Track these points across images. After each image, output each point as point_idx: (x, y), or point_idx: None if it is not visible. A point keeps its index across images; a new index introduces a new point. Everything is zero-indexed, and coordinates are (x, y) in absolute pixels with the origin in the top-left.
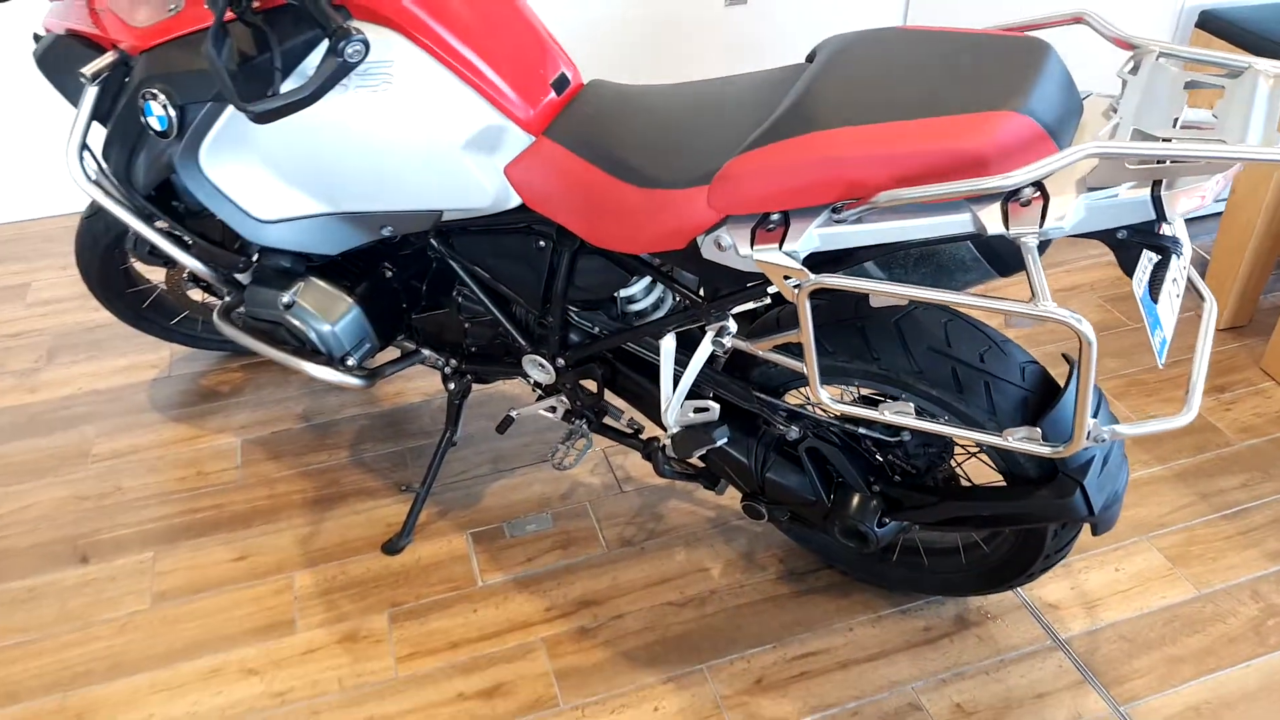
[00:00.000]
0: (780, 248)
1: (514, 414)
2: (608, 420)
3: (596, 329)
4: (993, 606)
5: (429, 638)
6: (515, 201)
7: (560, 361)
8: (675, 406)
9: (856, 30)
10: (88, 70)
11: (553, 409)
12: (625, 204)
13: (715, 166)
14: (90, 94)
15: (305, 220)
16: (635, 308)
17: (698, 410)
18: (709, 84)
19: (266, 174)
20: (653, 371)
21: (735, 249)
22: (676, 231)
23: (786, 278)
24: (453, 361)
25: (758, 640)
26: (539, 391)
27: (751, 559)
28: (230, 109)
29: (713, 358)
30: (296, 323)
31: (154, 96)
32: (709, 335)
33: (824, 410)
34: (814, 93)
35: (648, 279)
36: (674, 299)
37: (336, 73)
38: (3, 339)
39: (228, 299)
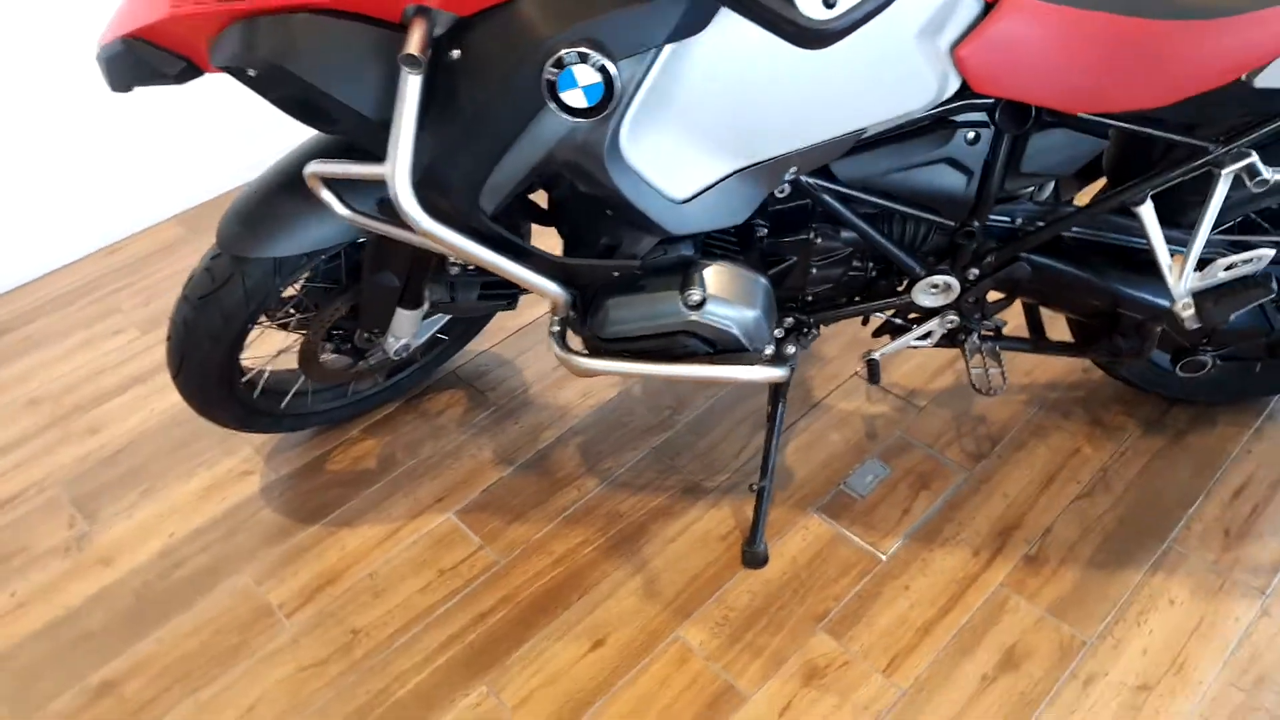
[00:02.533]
0: None
1: (877, 356)
2: (996, 330)
3: (1018, 221)
4: None
5: (892, 636)
6: (950, 91)
7: (974, 272)
8: (1188, 271)
9: None
10: (414, 49)
11: (925, 335)
12: (1153, 47)
13: None
14: (415, 86)
15: (715, 189)
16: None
17: (1231, 266)
18: None
19: (681, 139)
20: (1081, 256)
21: None
22: (1230, 66)
23: None
24: (787, 320)
25: (1187, 497)
26: (899, 320)
27: (1103, 424)
28: (662, 57)
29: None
30: (713, 321)
31: (582, 59)
32: (1222, 179)
33: None
34: None
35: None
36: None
37: None
38: None
39: (557, 328)
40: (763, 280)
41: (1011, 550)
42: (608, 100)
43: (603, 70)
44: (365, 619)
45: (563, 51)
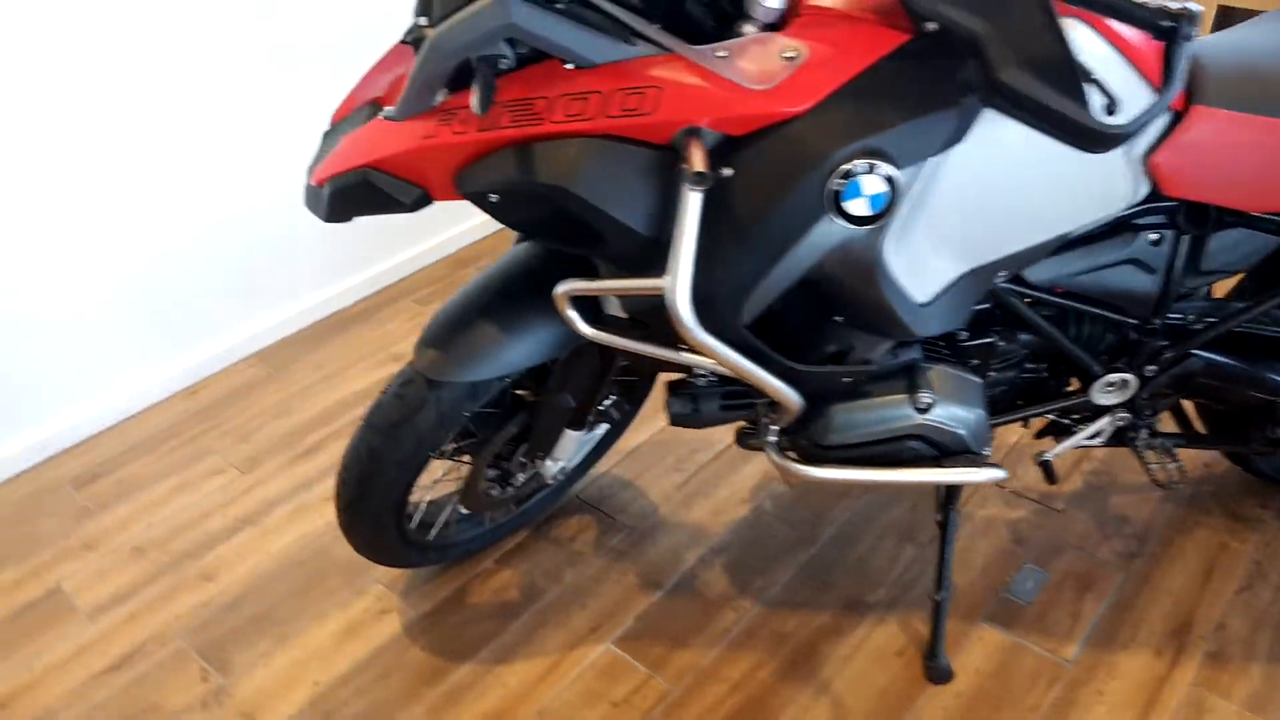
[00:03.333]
0: None
1: (1049, 456)
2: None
3: (1191, 317)
4: None
5: None
6: (1141, 195)
7: (1151, 369)
8: None
9: None
10: (700, 166)
11: (1095, 435)
12: None
13: None
14: (696, 202)
15: (949, 291)
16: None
17: None
18: None
19: (930, 242)
20: (1246, 351)
21: None
22: None
23: None
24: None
25: None
26: (1065, 420)
27: (1241, 516)
28: (928, 163)
29: None
30: (942, 424)
31: (869, 169)
32: None
33: None
34: None
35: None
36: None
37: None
38: (105, 673)
39: (774, 437)
40: (979, 381)
41: (1192, 648)
42: (890, 208)
43: (889, 179)
44: None
45: (854, 164)
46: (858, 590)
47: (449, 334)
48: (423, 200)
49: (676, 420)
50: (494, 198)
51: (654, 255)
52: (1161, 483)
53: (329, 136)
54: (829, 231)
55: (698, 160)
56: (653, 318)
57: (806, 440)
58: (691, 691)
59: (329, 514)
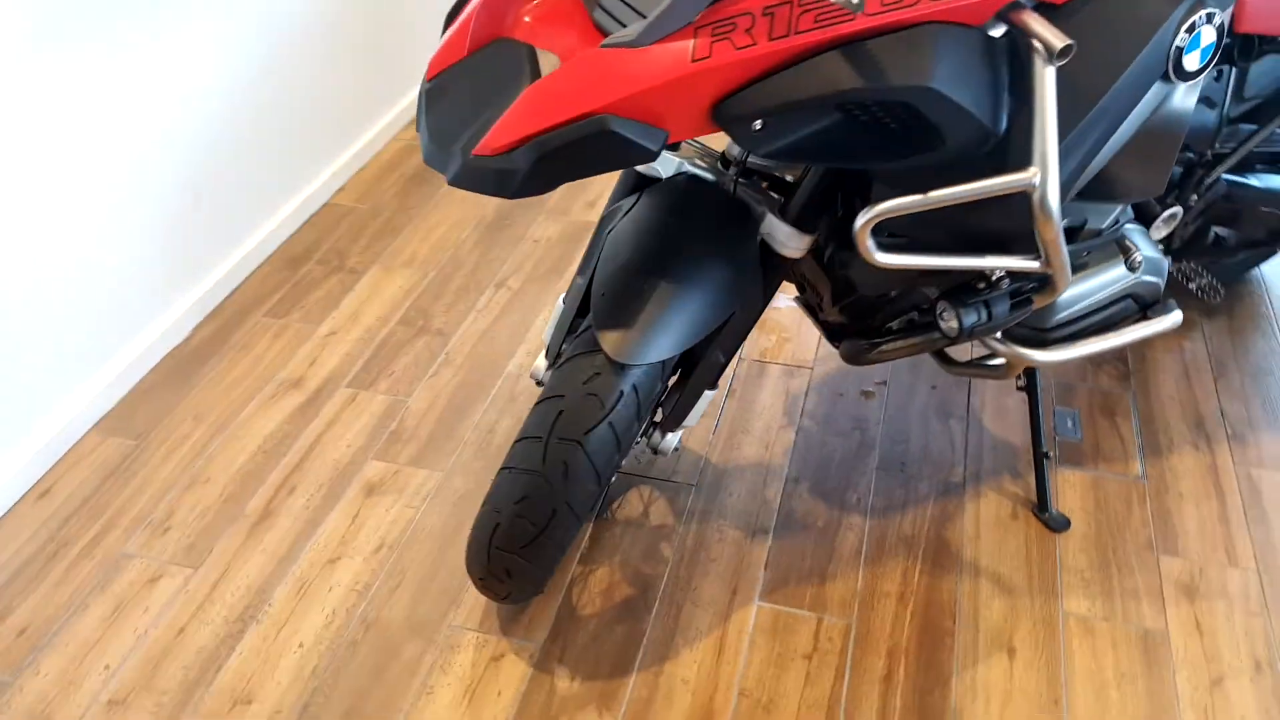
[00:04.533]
0: None
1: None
2: None
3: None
4: None
5: (1205, 533)
6: None
7: (1194, 197)
8: None
9: None
10: (1053, 38)
11: None
12: None
13: None
14: (1051, 78)
15: None
16: None
17: None
18: None
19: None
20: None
21: None
22: None
23: None
24: None
25: None
26: None
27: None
28: None
29: None
30: (1149, 277)
31: (1208, 19)
32: None
33: None
34: None
35: None
36: None
37: None
38: None
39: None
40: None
41: (1217, 435)
42: (1213, 60)
43: (1219, 28)
44: None
45: (1197, 14)
46: (940, 474)
47: (627, 313)
48: (664, 145)
49: (972, 331)
50: (760, 124)
51: (994, 151)
52: (1208, 298)
53: (435, 95)
54: (1161, 92)
55: (1052, 33)
56: (942, 228)
57: (1029, 330)
58: (867, 618)
59: (346, 578)
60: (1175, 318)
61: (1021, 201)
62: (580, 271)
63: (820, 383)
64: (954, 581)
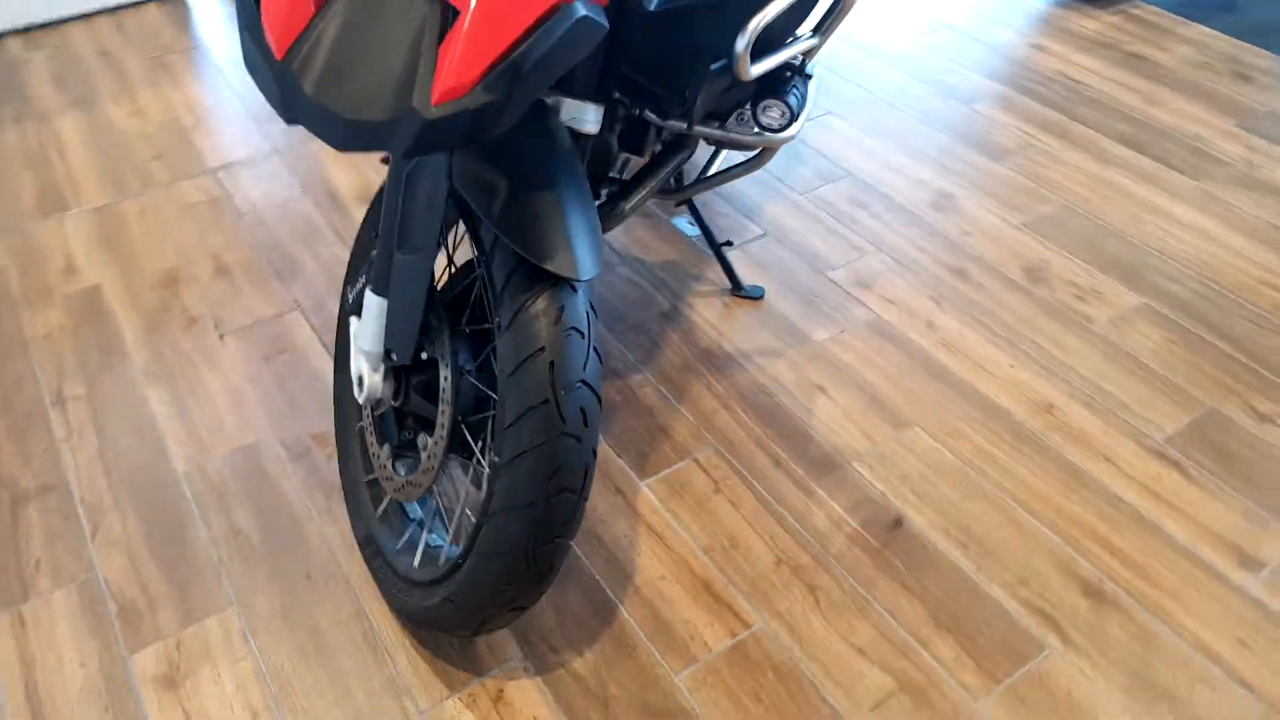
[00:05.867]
0: None
1: None
2: None
3: None
4: None
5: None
6: None
7: None
8: None
9: None
10: None
11: None
12: None
13: None
14: None
15: None
16: None
17: None
18: None
19: None
20: None
21: None
22: None
23: None
24: None
25: None
26: None
27: None
28: None
29: None
30: None
31: None
32: None
33: None
34: None
35: None
36: None
37: None
38: None
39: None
40: None
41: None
42: None
43: None
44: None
45: None
46: (654, 309)
47: (560, 231)
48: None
49: (795, 115)
50: None
51: None
52: None
53: (285, 72)
54: None
55: None
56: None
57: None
58: (721, 435)
59: None
60: None
61: None
62: (381, 244)
63: None
64: (741, 367)
